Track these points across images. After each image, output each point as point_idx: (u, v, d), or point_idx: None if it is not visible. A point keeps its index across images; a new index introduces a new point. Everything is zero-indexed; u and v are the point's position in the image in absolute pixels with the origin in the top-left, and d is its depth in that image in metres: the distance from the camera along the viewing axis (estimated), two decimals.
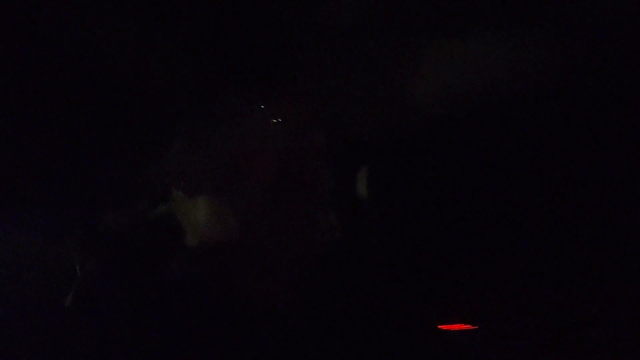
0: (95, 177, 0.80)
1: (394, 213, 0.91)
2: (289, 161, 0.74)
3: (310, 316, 0.73)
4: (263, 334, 0.68)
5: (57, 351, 0.67)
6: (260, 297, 0.71)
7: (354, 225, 0.91)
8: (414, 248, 0.91)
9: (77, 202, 0.79)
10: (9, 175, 0.79)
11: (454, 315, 0.91)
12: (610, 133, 0.90)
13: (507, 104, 0.90)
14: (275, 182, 0.72)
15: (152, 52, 0.81)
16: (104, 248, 0.77)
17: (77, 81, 0.80)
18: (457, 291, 0.92)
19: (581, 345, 0.88)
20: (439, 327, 0.89)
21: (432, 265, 0.92)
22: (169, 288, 0.71)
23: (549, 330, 0.91)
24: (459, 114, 0.91)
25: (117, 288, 0.76)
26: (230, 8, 0.78)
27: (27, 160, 0.80)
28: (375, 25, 0.83)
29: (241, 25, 0.81)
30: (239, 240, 0.72)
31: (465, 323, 0.91)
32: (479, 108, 0.91)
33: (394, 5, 0.83)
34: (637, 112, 0.88)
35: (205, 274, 0.71)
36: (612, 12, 0.82)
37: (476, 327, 0.90)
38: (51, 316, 0.75)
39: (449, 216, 0.89)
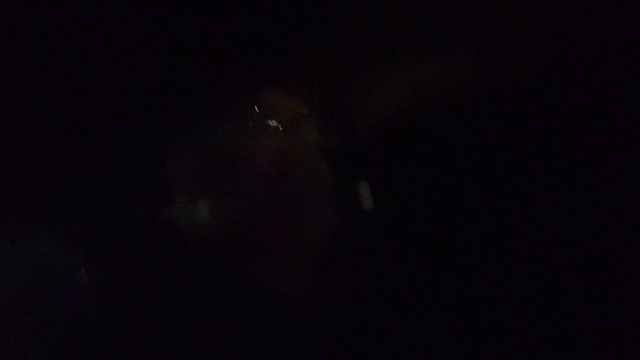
0: (98, 181, 0.80)
1: (396, 210, 0.90)
2: (284, 159, 0.74)
3: (317, 312, 0.74)
4: (272, 334, 0.68)
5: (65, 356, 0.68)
6: (267, 293, 0.72)
7: (354, 222, 0.91)
8: (417, 246, 0.91)
9: (82, 207, 0.80)
10: (14, 180, 0.79)
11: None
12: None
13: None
14: (272, 180, 0.72)
15: (147, 50, 0.80)
16: (108, 252, 0.77)
17: (77, 84, 0.80)
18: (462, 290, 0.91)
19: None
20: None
21: (438, 264, 0.91)
22: (176, 290, 0.72)
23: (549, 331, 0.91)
24: (462, 109, 0.90)
25: (123, 292, 0.77)
26: (226, 5, 0.77)
27: (31, 164, 0.80)
28: (373, 21, 0.81)
29: (235, 24, 0.80)
30: (239, 239, 0.72)
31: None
32: (483, 103, 0.90)
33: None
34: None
35: (208, 274, 0.72)
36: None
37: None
38: (58, 322, 0.77)
39: (453, 214, 0.88)
